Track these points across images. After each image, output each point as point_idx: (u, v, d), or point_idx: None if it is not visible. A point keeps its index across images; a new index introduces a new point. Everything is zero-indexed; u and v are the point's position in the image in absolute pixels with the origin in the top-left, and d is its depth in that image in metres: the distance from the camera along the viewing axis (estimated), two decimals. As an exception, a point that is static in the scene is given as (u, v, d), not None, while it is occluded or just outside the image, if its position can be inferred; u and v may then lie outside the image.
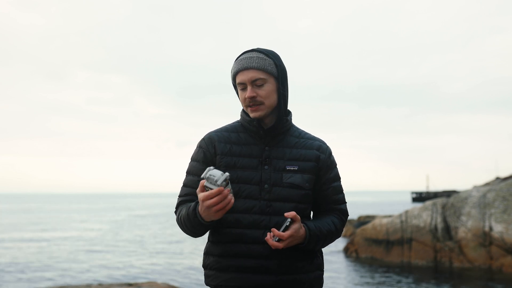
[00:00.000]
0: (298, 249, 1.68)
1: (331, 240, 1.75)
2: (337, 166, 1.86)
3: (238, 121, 1.83)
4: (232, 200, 1.51)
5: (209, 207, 1.50)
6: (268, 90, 1.72)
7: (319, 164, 1.77)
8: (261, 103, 1.71)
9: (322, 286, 1.79)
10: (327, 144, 1.85)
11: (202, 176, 1.50)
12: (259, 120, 1.74)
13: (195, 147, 1.82)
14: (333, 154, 1.85)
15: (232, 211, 1.66)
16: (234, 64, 1.75)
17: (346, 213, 1.83)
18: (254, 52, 1.75)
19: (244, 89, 1.72)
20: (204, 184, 1.50)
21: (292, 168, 1.72)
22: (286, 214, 1.59)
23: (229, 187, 1.51)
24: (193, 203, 1.62)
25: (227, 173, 1.49)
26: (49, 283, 11.59)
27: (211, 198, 1.48)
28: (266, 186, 1.69)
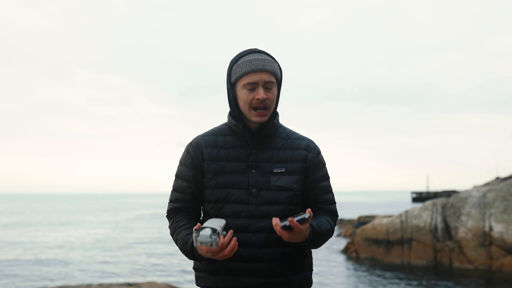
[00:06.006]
0: (287, 252, 1.68)
1: (326, 240, 1.72)
2: (326, 166, 1.83)
3: (225, 124, 1.80)
4: (236, 244, 1.55)
5: (213, 256, 1.56)
6: (274, 95, 1.71)
7: (307, 163, 1.74)
8: (268, 108, 1.69)
9: (311, 285, 1.78)
10: (316, 144, 1.82)
11: (194, 243, 1.52)
12: (244, 123, 1.72)
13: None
14: (322, 153, 1.82)
15: (221, 216, 1.67)
16: (242, 63, 1.68)
17: (337, 215, 1.81)
18: (262, 54, 1.70)
19: (252, 89, 1.67)
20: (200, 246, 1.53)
21: (279, 171, 1.70)
22: (308, 210, 1.52)
23: (225, 233, 1.55)
24: (190, 241, 1.63)
25: (213, 233, 1.49)
26: (49, 283, 11.59)
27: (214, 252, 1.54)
28: (253, 190, 1.68)
